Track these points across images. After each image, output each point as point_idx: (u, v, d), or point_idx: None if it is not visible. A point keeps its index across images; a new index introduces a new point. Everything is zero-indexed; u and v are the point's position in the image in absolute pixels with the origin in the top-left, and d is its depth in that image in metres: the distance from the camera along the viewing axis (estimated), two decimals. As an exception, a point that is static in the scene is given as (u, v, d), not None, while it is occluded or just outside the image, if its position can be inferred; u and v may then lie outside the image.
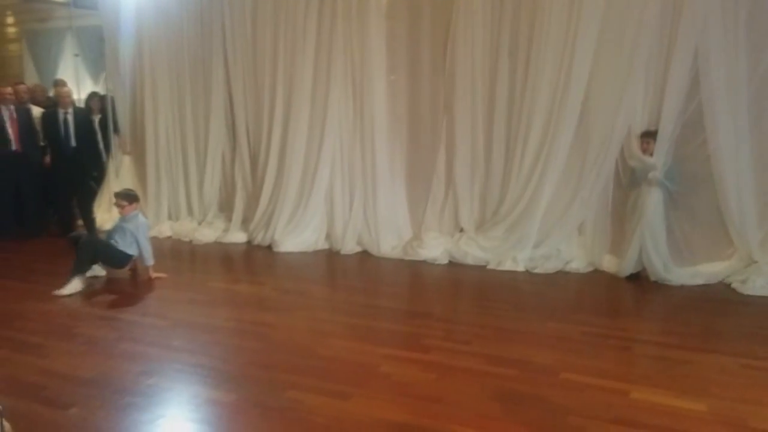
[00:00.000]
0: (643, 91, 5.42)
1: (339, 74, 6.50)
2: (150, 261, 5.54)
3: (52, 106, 7.39)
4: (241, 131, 7.15)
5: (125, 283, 5.31)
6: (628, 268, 5.47)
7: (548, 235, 5.90)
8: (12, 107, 6.97)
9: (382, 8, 6.33)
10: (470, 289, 5.57)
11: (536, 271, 5.76)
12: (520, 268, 5.82)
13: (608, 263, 5.74)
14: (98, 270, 5.62)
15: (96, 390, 3.46)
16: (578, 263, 5.80)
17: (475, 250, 6.07)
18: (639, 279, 5.47)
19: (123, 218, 5.51)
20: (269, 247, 6.74)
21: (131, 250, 5.48)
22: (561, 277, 5.69)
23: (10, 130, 6.92)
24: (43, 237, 7.26)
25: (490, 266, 5.92)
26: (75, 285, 5.20)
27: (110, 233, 5.58)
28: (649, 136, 5.34)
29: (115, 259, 5.50)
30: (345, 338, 4.22)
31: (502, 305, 4.93)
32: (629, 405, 3.22)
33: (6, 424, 1.27)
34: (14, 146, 6.95)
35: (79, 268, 5.29)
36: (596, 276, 5.70)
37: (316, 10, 6.49)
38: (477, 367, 3.71)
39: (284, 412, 3.20)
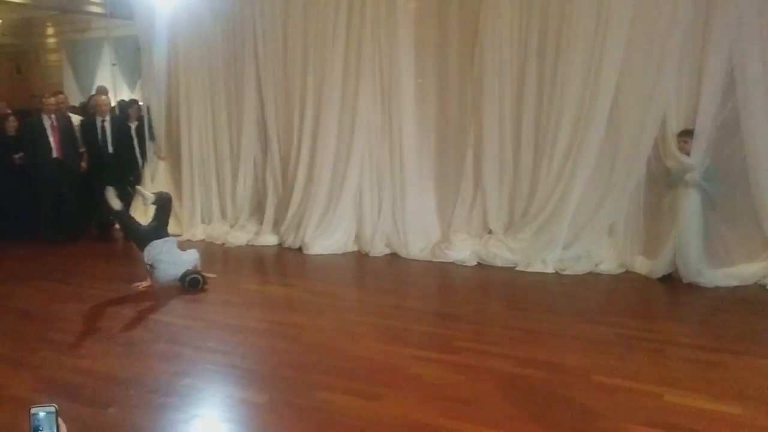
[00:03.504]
0: (677, 89, 5.34)
1: (367, 78, 6.56)
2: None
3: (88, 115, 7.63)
4: (272, 136, 7.26)
5: (161, 286, 5.42)
6: (661, 269, 5.39)
7: (578, 236, 5.85)
8: (53, 116, 7.19)
9: (410, 12, 6.37)
10: (499, 291, 5.56)
11: (566, 272, 5.72)
12: (550, 269, 5.79)
13: (640, 264, 5.67)
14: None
15: (133, 390, 3.55)
16: (609, 264, 5.73)
17: (503, 252, 6.05)
18: (671, 280, 5.38)
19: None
20: (300, 250, 6.83)
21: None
22: (591, 278, 5.63)
23: (52, 139, 7.14)
24: (82, 240, 7.46)
25: (519, 268, 5.90)
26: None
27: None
28: (686, 135, 5.24)
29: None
30: (375, 339, 4.26)
31: (532, 307, 4.92)
32: (663, 408, 3.19)
33: (61, 423, 1.33)
34: (55, 154, 7.17)
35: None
36: (628, 277, 5.63)
37: (345, 16, 6.55)
38: (507, 369, 3.71)
39: (316, 413, 3.25)
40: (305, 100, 6.90)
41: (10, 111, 7.74)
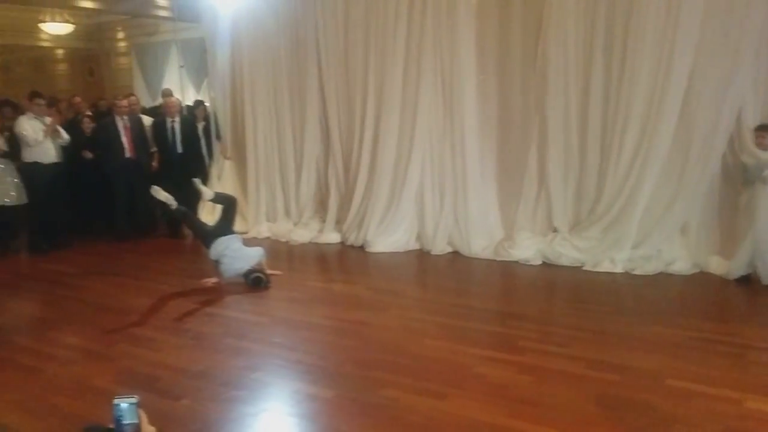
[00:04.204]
0: (754, 81, 5.11)
1: (429, 75, 6.53)
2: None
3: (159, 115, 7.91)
4: (334, 135, 7.34)
5: (229, 282, 5.57)
6: (737, 270, 5.17)
7: (648, 235, 5.67)
8: (126, 118, 7.48)
9: (471, 8, 6.30)
10: (566, 291, 5.45)
11: (636, 272, 5.55)
12: (618, 269, 5.63)
13: (715, 265, 5.45)
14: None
15: (204, 382, 3.67)
16: (681, 264, 5.53)
17: (569, 251, 5.92)
18: (749, 282, 5.15)
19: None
20: (362, 248, 6.88)
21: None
22: (663, 279, 5.45)
23: (125, 139, 7.43)
24: (153, 237, 7.75)
25: (586, 267, 5.77)
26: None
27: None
28: (764, 130, 5.01)
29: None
30: (439, 338, 4.25)
31: (601, 307, 4.79)
32: (743, 415, 3.06)
33: (142, 414, 1.38)
34: (128, 154, 7.46)
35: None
36: (702, 278, 5.42)
37: (406, 12, 6.55)
38: (576, 371, 3.63)
39: (381, 410, 3.27)
40: (366, 98, 6.94)
41: (90, 113, 8.08)
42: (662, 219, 5.62)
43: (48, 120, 6.92)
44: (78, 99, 8.58)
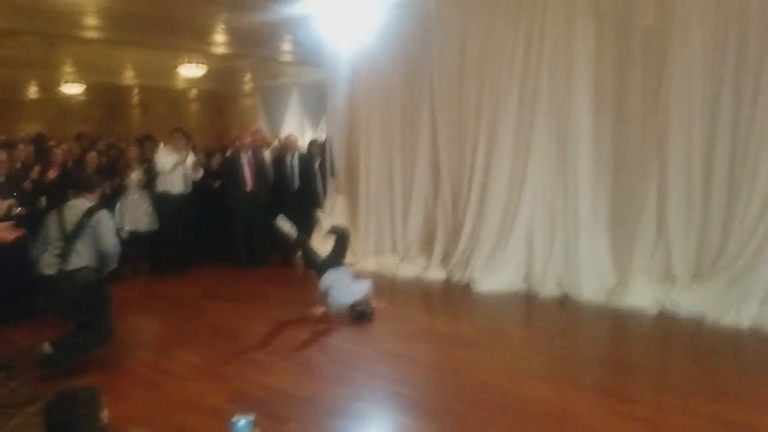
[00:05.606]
0: None
1: (542, 116, 6.49)
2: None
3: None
4: (444, 172, 7.43)
5: (335, 314, 5.72)
6: None
7: (782, 289, 5.22)
8: (249, 152, 7.99)
9: (589, 49, 6.22)
10: (684, 343, 5.12)
11: (765, 329, 5.10)
12: (745, 324, 5.20)
13: None
14: None
15: (311, 408, 3.78)
16: (820, 323, 5.04)
17: (689, 301, 5.55)
18: None
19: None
20: (467, 285, 6.83)
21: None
22: (797, 337, 4.99)
23: (247, 172, 7.92)
24: (268, 266, 8.10)
25: (708, 320, 5.37)
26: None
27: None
28: None
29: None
30: (545, 381, 4.12)
31: (723, 363, 4.46)
32: None
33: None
34: (249, 186, 7.93)
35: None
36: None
37: (521, 54, 6.58)
38: (694, 426, 3.40)
39: (483, 450, 3.22)
40: (478, 137, 6.99)
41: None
42: (797, 272, 5.17)
43: (190, 161, 7.60)
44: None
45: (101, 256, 4.52)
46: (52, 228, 4.49)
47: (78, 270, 4.37)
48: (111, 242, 4.52)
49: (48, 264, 4.40)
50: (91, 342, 4.45)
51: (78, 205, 4.54)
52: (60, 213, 4.51)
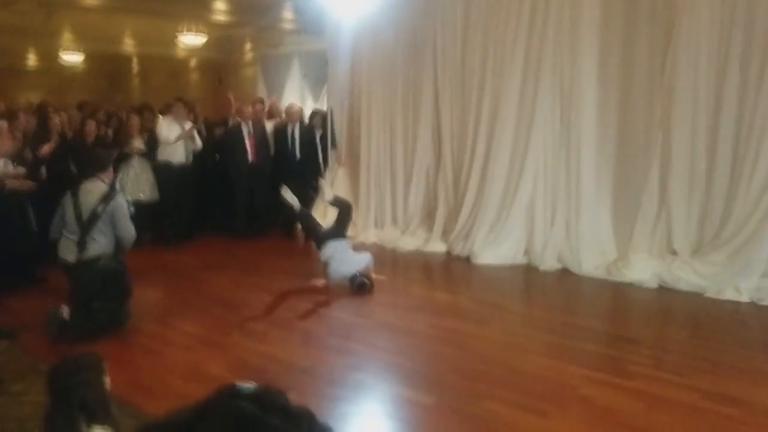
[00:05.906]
0: None
1: (546, 87, 6.42)
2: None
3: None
4: (445, 146, 7.38)
5: (334, 284, 5.73)
6: None
7: (782, 264, 5.22)
8: (250, 123, 7.92)
9: (595, 19, 6.13)
10: (683, 317, 5.13)
11: (764, 303, 5.12)
12: (744, 298, 5.21)
13: None
14: None
15: (309, 378, 3.81)
16: (820, 298, 5.05)
17: (690, 275, 5.56)
18: None
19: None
20: (467, 259, 6.83)
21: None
22: (796, 312, 5.00)
23: (248, 144, 7.87)
24: (269, 237, 8.11)
25: (708, 294, 5.38)
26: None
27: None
28: None
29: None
30: (543, 355, 4.15)
31: (722, 337, 4.48)
32: None
33: None
34: (251, 158, 7.89)
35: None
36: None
37: (526, 24, 6.49)
38: (691, 402, 3.42)
39: (482, 422, 3.25)
40: (481, 109, 6.92)
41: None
42: (799, 247, 5.17)
43: (187, 125, 7.49)
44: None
45: (117, 241, 4.59)
46: (68, 212, 4.51)
47: (96, 259, 4.43)
48: (127, 228, 4.59)
49: (67, 249, 4.45)
50: (108, 324, 4.44)
51: (93, 189, 4.56)
52: (75, 196, 4.51)
